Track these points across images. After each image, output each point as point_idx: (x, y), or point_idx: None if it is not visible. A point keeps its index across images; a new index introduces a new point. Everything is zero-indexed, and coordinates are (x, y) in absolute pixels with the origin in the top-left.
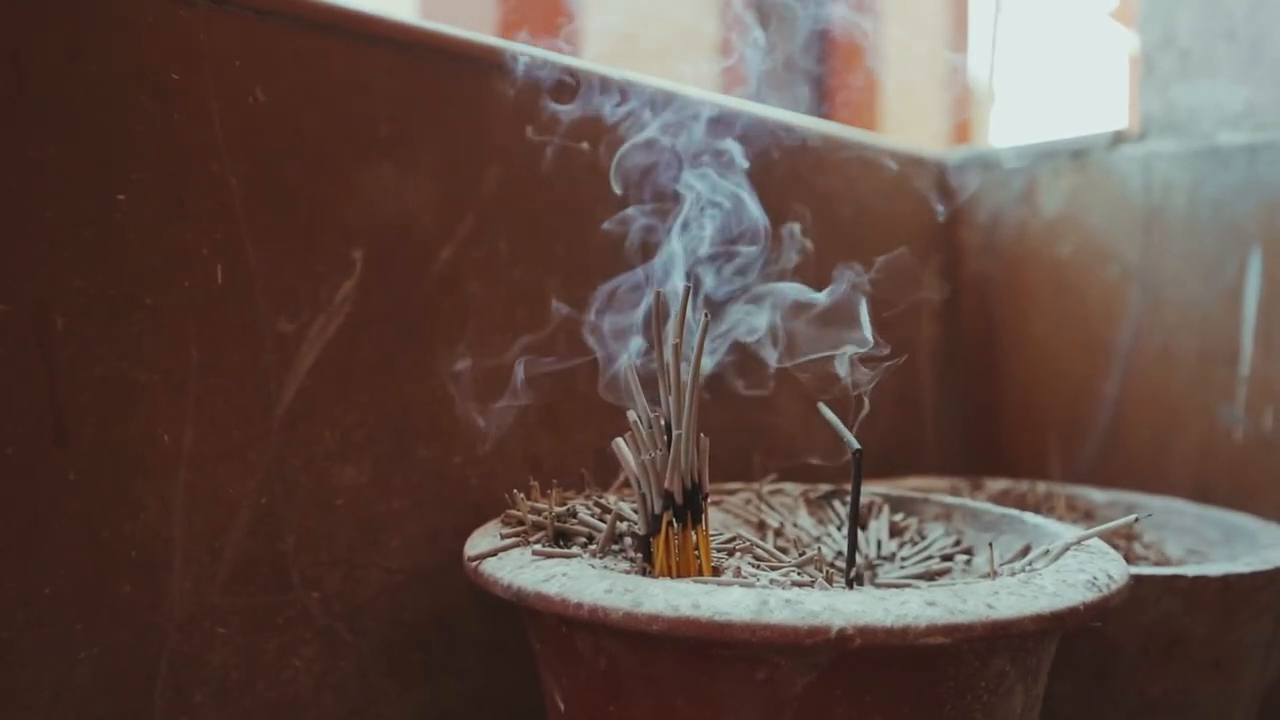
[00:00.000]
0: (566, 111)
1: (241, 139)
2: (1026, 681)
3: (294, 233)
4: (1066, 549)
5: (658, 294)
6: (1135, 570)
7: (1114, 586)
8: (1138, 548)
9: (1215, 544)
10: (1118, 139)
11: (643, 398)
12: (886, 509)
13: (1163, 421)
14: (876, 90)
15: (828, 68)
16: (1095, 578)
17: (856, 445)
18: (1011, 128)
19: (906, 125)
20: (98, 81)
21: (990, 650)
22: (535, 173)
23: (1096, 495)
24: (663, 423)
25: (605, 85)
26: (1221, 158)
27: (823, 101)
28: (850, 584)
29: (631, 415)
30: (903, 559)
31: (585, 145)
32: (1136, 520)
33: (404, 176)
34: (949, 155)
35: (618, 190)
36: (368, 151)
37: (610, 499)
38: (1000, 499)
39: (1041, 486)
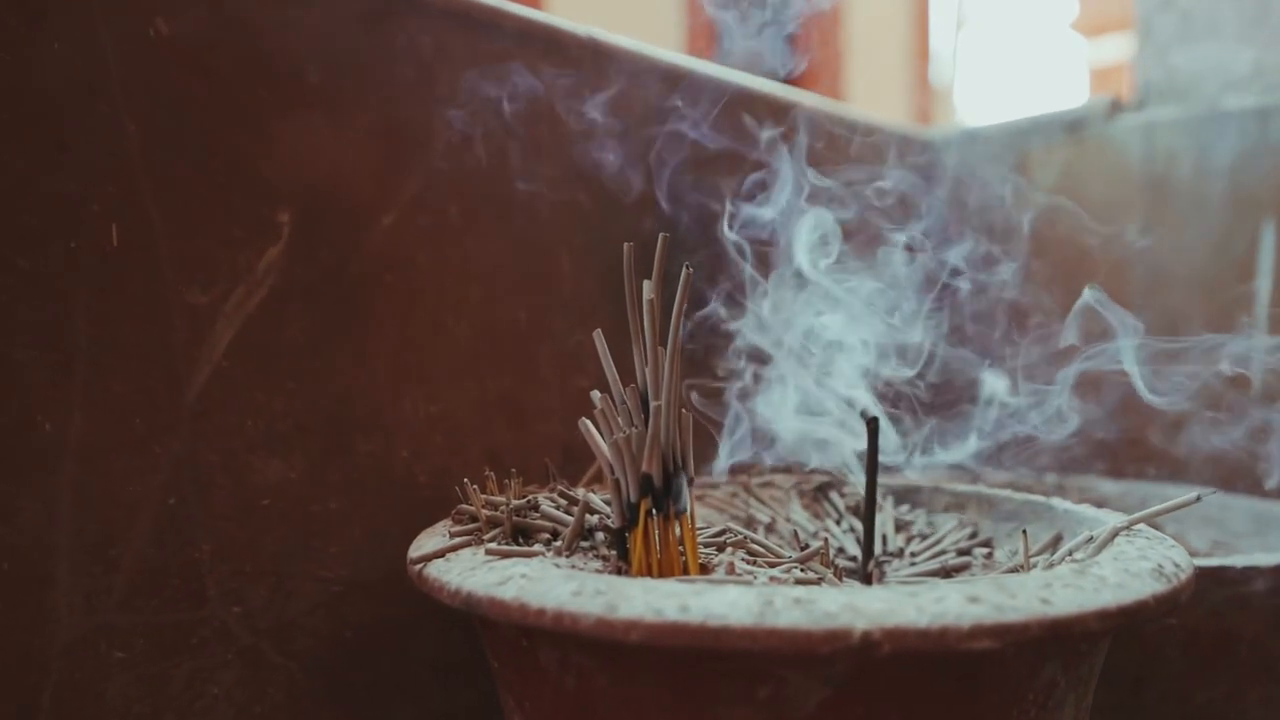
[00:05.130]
0: (527, 66)
1: (140, 77)
2: (1078, 692)
3: (207, 190)
4: (1115, 535)
5: (628, 247)
6: None
7: (1183, 576)
8: None
9: (1244, 535)
10: (1115, 108)
11: (613, 368)
12: (891, 500)
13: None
14: (842, 71)
15: (797, 42)
16: (1161, 565)
17: (872, 413)
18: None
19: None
20: None
21: (1042, 655)
22: (494, 131)
23: (1108, 486)
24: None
25: (568, 40)
26: (1229, 123)
27: (791, 76)
28: (867, 579)
29: (597, 394)
30: (913, 555)
31: (551, 102)
32: (1199, 499)
33: (339, 131)
34: (935, 132)
35: (593, 155)
36: (295, 100)
37: (579, 491)
38: None
39: (1050, 477)
